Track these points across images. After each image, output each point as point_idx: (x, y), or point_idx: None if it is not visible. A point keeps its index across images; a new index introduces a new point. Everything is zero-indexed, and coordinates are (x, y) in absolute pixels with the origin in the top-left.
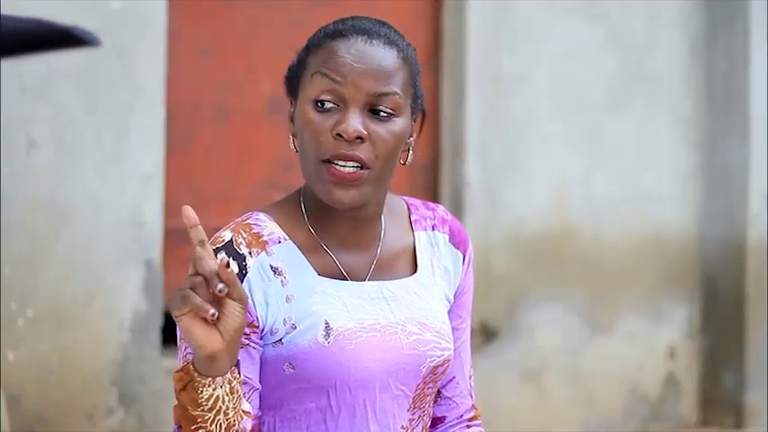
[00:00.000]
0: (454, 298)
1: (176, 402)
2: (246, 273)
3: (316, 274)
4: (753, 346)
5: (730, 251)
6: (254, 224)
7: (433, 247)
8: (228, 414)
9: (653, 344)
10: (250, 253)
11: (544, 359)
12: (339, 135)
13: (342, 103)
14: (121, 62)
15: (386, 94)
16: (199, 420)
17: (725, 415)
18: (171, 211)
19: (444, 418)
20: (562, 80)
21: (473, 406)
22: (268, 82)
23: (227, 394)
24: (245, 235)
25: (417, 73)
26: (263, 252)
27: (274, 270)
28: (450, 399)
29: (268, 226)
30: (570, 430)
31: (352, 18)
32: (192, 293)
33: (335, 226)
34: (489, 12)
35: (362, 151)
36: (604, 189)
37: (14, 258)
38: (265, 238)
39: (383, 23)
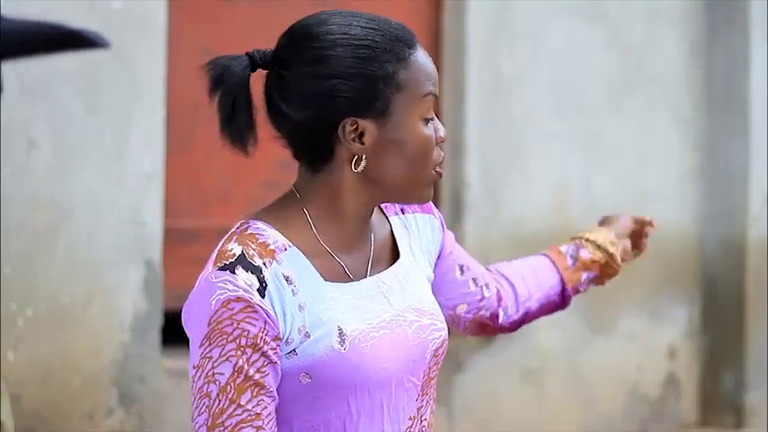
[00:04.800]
0: (446, 256)
1: None
2: (266, 286)
3: (322, 279)
4: (753, 346)
5: (730, 251)
6: (258, 234)
7: (407, 229)
8: None
9: (653, 344)
10: (264, 264)
11: (544, 359)
12: (438, 142)
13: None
14: (121, 62)
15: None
16: None
17: (725, 415)
18: (171, 210)
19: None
20: (562, 80)
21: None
22: None
23: None
24: (253, 246)
25: None
26: (275, 261)
27: (286, 279)
28: (489, 289)
29: (270, 234)
30: (570, 430)
31: (383, 17)
32: None
33: (342, 229)
34: (489, 12)
35: None
36: (604, 189)
37: (14, 258)
38: (272, 247)
39: None
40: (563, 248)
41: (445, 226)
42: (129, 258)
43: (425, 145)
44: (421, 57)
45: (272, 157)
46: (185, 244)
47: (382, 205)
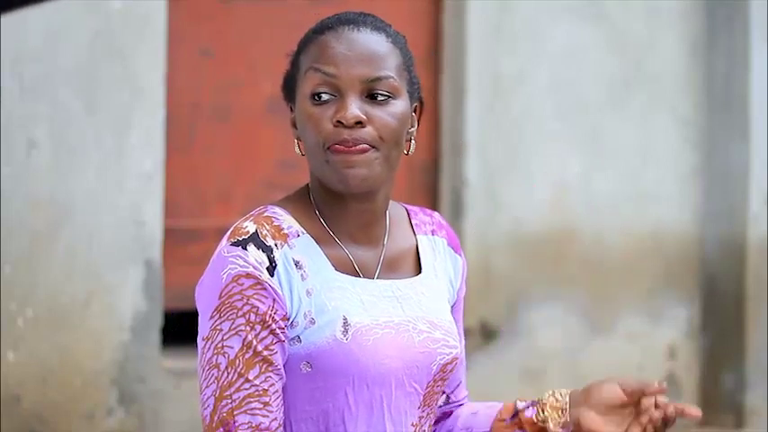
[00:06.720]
0: (455, 302)
1: None
2: (276, 266)
3: (333, 269)
4: (753, 346)
5: (730, 251)
6: (274, 217)
7: (434, 251)
8: None
9: (653, 344)
10: (276, 245)
11: (544, 359)
12: (339, 122)
13: (338, 94)
14: (121, 62)
15: (380, 79)
16: None
17: (725, 415)
18: (171, 210)
19: (450, 412)
20: (562, 80)
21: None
22: (268, 82)
23: None
24: (267, 227)
25: (410, 59)
26: (286, 245)
27: (296, 263)
28: (456, 402)
29: (286, 219)
30: None
31: (337, 13)
32: None
33: (346, 220)
34: (489, 12)
35: (365, 135)
36: (604, 189)
37: (14, 258)
38: (285, 231)
39: (368, 13)
40: (520, 402)
41: (465, 277)
42: (129, 258)
43: (307, 121)
44: (325, 38)
45: (272, 157)
46: (185, 244)
47: (413, 222)
